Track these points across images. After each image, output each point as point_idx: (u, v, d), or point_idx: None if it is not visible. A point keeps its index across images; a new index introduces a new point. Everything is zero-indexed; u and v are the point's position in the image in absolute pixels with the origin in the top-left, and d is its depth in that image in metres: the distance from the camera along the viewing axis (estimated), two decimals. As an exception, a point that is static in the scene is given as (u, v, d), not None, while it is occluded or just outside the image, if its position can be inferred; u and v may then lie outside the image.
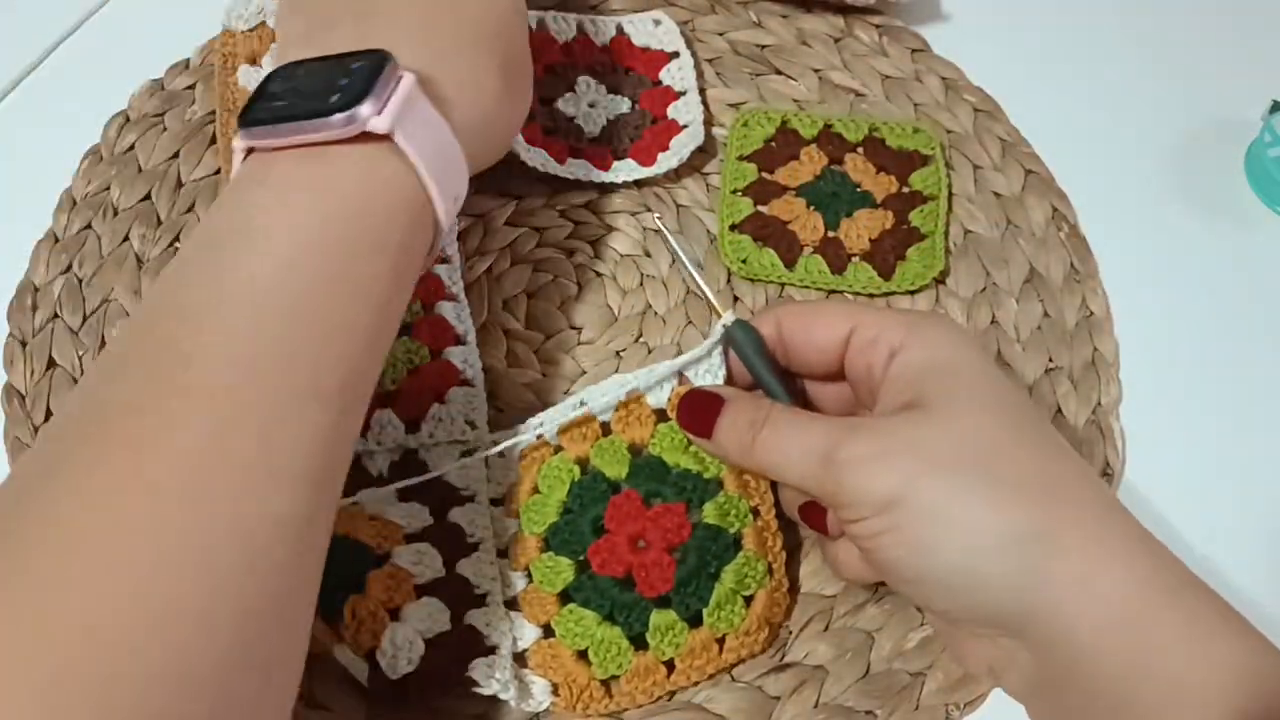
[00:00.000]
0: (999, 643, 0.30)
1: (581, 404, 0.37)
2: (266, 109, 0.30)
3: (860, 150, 0.47)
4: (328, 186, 0.30)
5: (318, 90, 0.30)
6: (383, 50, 0.31)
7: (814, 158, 0.47)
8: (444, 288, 0.42)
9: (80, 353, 0.42)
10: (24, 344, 0.42)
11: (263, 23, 0.46)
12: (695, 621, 0.35)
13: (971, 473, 0.29)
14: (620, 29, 0.50)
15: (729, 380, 0.37)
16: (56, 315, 0.43)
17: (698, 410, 0.35)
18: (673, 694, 0.36)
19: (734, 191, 0.46)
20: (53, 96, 0.50)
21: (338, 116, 0.29)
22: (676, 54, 0.49)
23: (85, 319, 0.43)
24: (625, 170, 0.46)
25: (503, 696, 0.34)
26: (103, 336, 0.42)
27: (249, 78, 0.45)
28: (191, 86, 0.49)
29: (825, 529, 0.34)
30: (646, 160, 0.46)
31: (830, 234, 0.45)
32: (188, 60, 0.50)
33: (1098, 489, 0.30)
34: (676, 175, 0.47)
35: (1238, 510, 0.41)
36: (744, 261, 0.44)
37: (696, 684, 0.36)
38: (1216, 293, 0.47)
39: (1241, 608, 0.29)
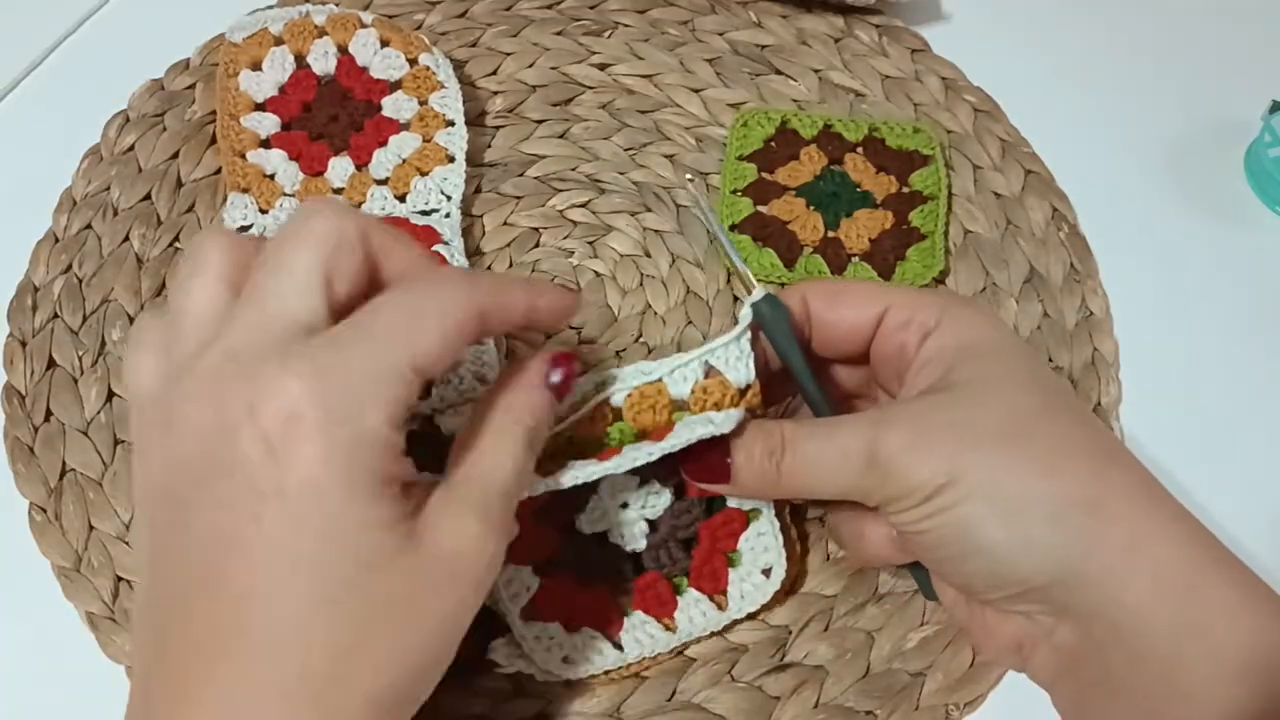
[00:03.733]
0: (1035, 619, 0.30)
1: (600, 386, 0.34)
2: None
3: (860, 150, 0.47)
4: None
5: None
6: None
7: (814, 158, 0.47)
8: (445, 261, 0.42)
9: (80, 353, 0.42)
10: (24, 344, 0.42)
11: (264, 29, 0.46)
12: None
13: (1015, 444, 0.29)
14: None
15: (758, 368, 0.33)
16: (56, 315, 0.43)
17: (706, 458, 0.32)
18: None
19: (734, 192, 0.46)
20: (53, 96, 0.50)
21: None
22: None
23: (85, 319, 0.43)
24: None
25: (527, 671, 0.34)
26: (103, 336, 0.42)
27: (250, 82, 0.46)
28: (191, 86, 0.49)
29: None
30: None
31: (830, 234, 0.45)
32: (188, 60, 0.50)
33: (1133, 459, 0.30)
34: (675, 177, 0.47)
35: (1238, 509, 0.41)
36: (744, 260, 0.44)
37: (698, 641, 0.37)
38: (1216, 293, 0.47)
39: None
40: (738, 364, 0.32)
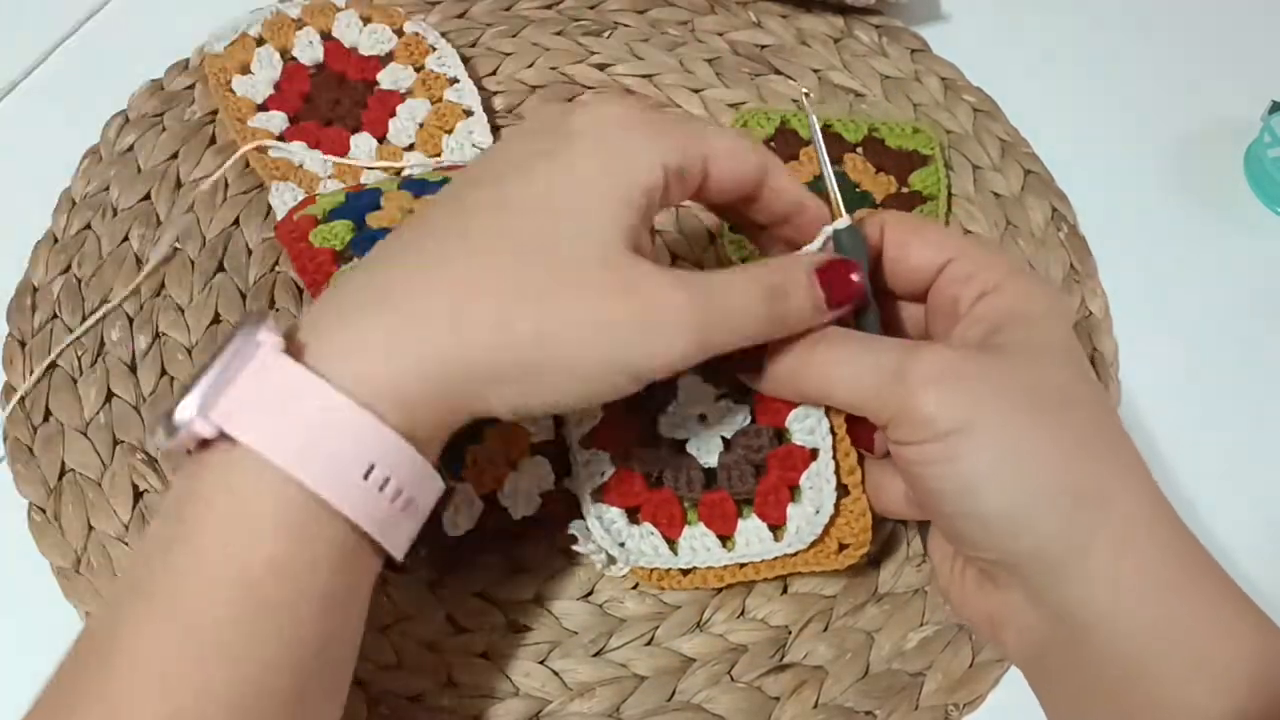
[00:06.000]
0: (1008, 596, 0.30)
1: None
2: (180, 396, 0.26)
3: (860, 150, 0.47)
4: (188, 515, 0.26)
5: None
6: (255, 317, 0.26)
7: (813, 158, 0.47)
8: None
9: (79, 353, 0.42)
10: (23, 344, 0.42)
11: (243, 33, 0.47)
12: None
13: (1039, 417, 0.28)
14: None
15: None
16: (56, 315, 0.43)
17: (754, 350, 0.33)
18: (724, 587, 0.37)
19: (733, 191, 0.46)
20: (53, 96, 0.50)
21: (164, 428, 0.25)
22: None
23: (85, 319, 0.43)
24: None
25: (593, 557, 0.37)
26: (102, 337, 0.42)
27: (244, 86, 0.46)
28: (191, 86, 0.49)
29: (872, 447, 0.34)
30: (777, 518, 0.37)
31: (830, 234, 0.45)
32: (187, 60, 0.50)
33: (1140, 459, 0.30)
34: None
35: (1238, 509, 0.41)
36: (745, 261, 0.44)
37: (766, 580, 0.38)
38: (1216, 293, 0.47)
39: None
40: None
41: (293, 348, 0.26)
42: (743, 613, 0.38)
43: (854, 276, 0.31)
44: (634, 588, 0.38)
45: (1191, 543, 0.29)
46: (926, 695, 0.37)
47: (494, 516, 0.36)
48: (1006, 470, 0.28)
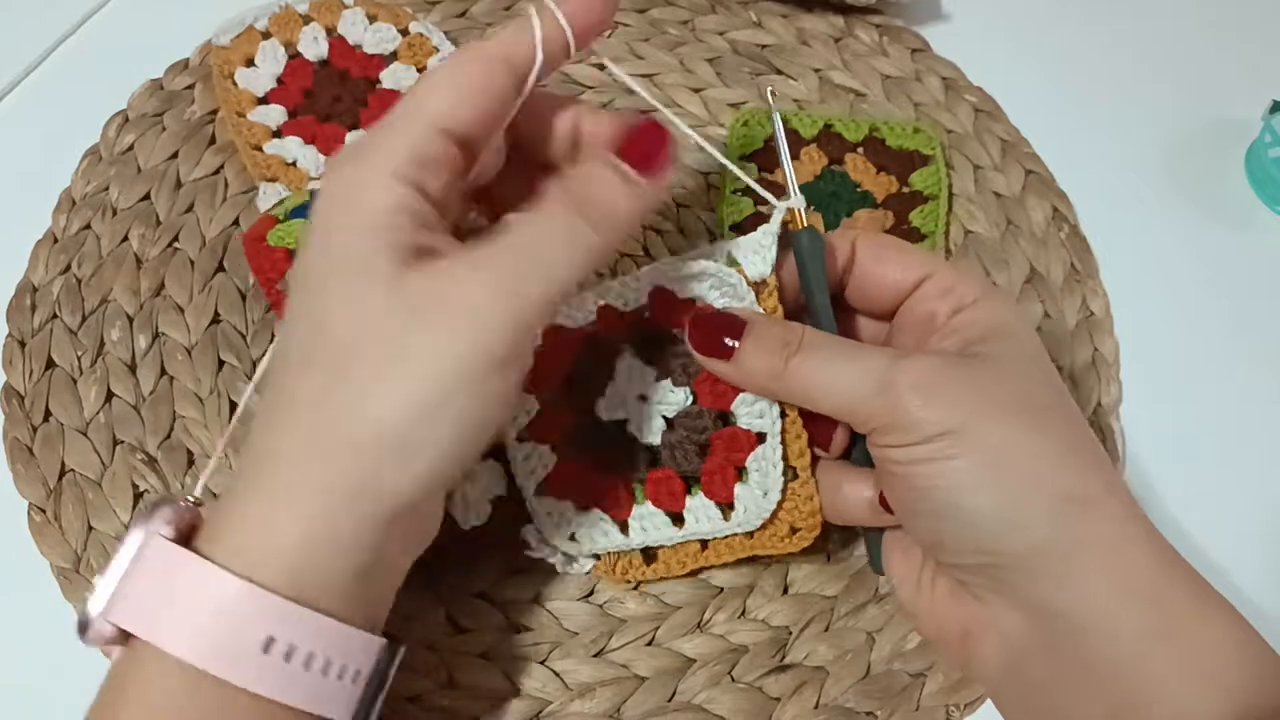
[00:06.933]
0: (987, 603, 0.30)
1: (635, 284, 0.36)
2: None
3: (860, 150, 0.47)
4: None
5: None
6: (156, 501, 0.26)
7: (814, 158, 0.47)
8: None
9: (79, 353, 0.42)
10: (23, 344, 0.42)
11: (250, 27, 0.47)
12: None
13: (1028, 420, 0.29)
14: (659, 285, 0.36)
15: (776, 271, 0.34)
16: (55, 315, 0.43)
17: (715, 331, 0.32)
18: (701, 570, 0.37)
19: (734, 191, 0.46)
20: (53, 96, 0.50)
21: (79, 631, 0.26)
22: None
23: (84, 319, 0.43)
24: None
25: (550, 560, 0.36)
26: (101, 336, 0.42)
27: (247, 79, 0.46)
28: (191, 86, 0.49)
29: (828, 445, 0.33)
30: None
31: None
32: (187, 60, 0.50)
33: (1112, 465, 0.31)
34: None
35: (1237, 509, 0.41)
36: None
37: (726, 564, 0.37)
38: (1216, 293, 0.47)
39: (1240, 604, 0.29)
40: (755, 257, 0.34)
41: (193, 530, 0.27)
42: (743, 613, 0.38)
43: (658, 133, 0.28)
44: (635, 588, 0.38)
45: (1167, 545, 0.29)
46: (927, 696, 0.37)
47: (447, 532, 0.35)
48: (999, 470, 0.28)
